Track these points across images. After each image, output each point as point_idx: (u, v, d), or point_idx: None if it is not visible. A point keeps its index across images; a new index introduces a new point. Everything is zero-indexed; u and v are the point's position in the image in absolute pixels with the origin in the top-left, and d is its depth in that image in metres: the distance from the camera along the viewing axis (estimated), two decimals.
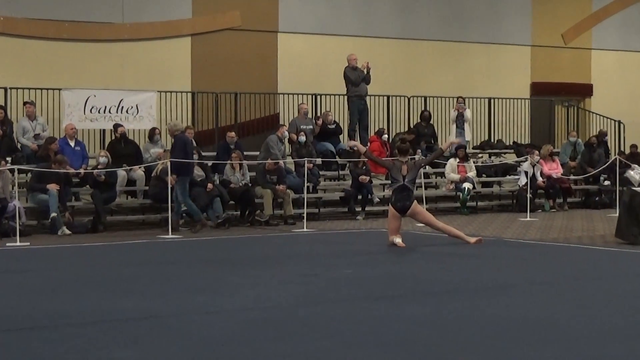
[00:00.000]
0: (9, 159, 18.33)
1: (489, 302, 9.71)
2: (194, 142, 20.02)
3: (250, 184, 19.98)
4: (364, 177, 20.86)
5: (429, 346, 7.65)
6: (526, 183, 22.23)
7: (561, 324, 8.50)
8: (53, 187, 17.51)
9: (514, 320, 8.66)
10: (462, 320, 8.71)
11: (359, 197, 21.06)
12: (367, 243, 16.20)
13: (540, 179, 23.04)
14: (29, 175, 18.48)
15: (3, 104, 19.63)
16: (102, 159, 18.68)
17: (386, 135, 23.07)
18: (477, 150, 25.38)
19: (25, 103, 19.54)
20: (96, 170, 18.53)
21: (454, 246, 15.12)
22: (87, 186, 18.86)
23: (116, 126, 19.85)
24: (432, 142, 24.07)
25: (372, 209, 21.37)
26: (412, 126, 24.31)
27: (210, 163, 20.10)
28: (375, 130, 23.16)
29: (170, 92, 21.80)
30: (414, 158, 16.92)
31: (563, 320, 8.68)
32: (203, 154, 20.10)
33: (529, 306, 9.48)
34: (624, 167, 23.66)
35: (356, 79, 22.90)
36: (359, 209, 20.98)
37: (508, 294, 10.34)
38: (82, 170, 18.89)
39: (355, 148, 19.01)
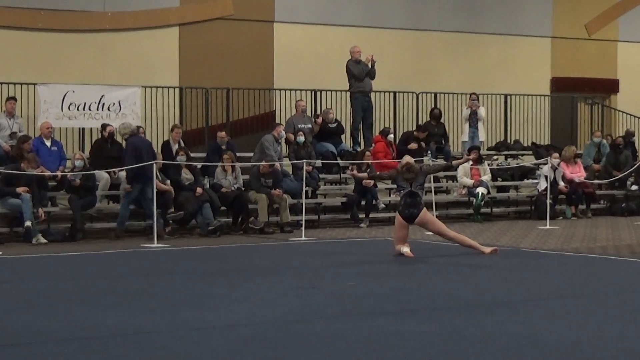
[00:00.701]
0: None
1: (504, 319, 9.73)
2: (181, 143, 20.07)
3: (243, 188, 20.02)
4: (368, 181, 20.89)
5: None
6: (546, 188, 22.27)
7: (583, 343, 8.52)
8: (23, 191, 17.54)
9: (532, 339, 8.68)
10: (474, 338, 8.74)
11: (363, 202, 21.08)
12: (371, 253, 16.23)
13: (561, 184, 23.07)
14: None
15: None
16: (78, 162, 18.67)
17: (392, 135, 23.11)
18: (492, 152, 25.41)
19: (8, 99, 19.58)
20: (70, 173, 18.54)
21: (467, 257, 15.14)
22: (64, 190, 18.90)
23: (104, 125, 19.86)
24: (443, 142, 24.10)
25: (376, 215, 21.39)
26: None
27: (199, 165, 20.14)
28: (380, 130, 23.19)
29: (156, 87, 21.84)
30: (422, 161, 17.09)
31: (585, 339, 8.71)
32: (192, 155, 20.13)
33: (548, 323, 9.51)
34: None
35: (360, 74, 22.95)
36: (362, 215, 20.99)
37: (526, 310, 10.36)
38: (58, 173, 18.92)
39: (356, 176, 19.01)
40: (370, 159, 21.31)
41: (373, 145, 22.64)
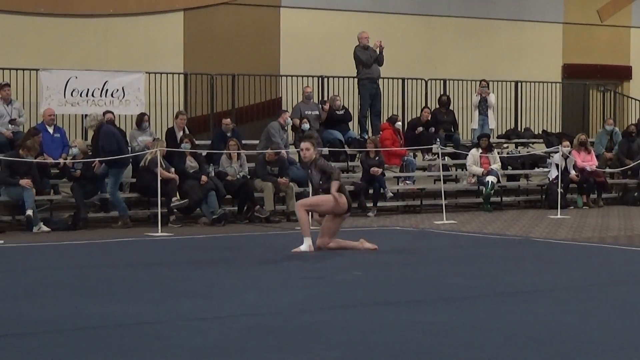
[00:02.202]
0: None
1: (513, 309, 9.73)
2: (186, 130, 20.08)
3: (249, 176, 20.04)
4: (375, 169, 20.89)
5: (446, 358, 7.69)
6: (557, 176, 22.27)
7: (594, 335, 8.53)
8: (26, 184, 17.58)
9: (541, 330, 8.69)
10: (482, 329, 8.74)
11: (370, 191, 21.09)
12: (379, 242, 16.22)
13: (572, 172, 23.08)
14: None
15: None
16: (74, 150, 18.68)
17: (400, 123, 23.12)
18: (502, 140, 25.42)
19: (1, 86, 19.57)
20: (71, 161, 18.54)
21: (475, 248, 15.15)
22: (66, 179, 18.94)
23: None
24: (452, 130, 24.11)
25: (384, 204, 21.40)
26: (430, 111, 24.01)
27: (204, 153, 20.17)
28: (388, 117, 23.20)
29: (160, 73, 21.86)
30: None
31: (596, 331, 8.71)
32: (197, 142, 20.16)
33: (558, 314, 9.51)
34: None
35: (367, 60, 22.95)
36: (370, 204, 21.00)
37: (535, 300, 10.36)
38: (60, 161, 18.95)
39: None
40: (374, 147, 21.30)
41: (380, 132, 22.65)
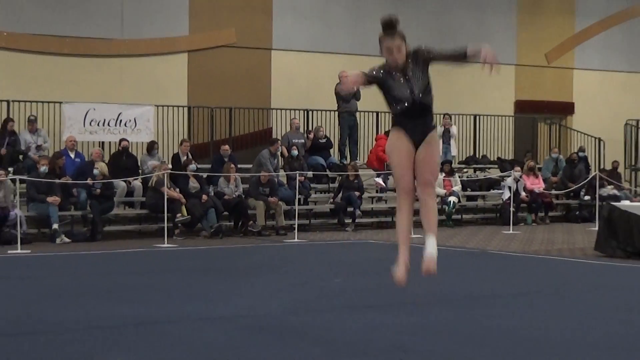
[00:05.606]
0: (10, 169, 18.38)
1: (474, 313, 9.75)
2: (189, 155, 20.09)
3: (243, 196, 20.01)
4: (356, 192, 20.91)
5: (416, 354, 7.70)
6: (509, 197, 22.29)
7: (542, 335, 8.55)
8: (53, 201, 17.58)
9: (497, 330, 8.71)
10: (448, 329, 8.76)
11: (349, 209, 21.07)
12: (355, 254, 16.25)
13: (523, 194, 23.11)
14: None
15: (6, 117, 19.68)
16: (95, 171, 18.61)
17: None
18: (463, 165, 25.45)
19: (28, 120, 19.64)
20: (90, 180, 18.45)
21: (441, 259, 15.15)
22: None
23: (121, 140, 19.96)
24: None
25: (360, 220, 21.38)
26: None
27: (205, 175, 20.15)
28: (385, 131, 23.40)
29: (167, 106, 21.83)
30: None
31: (543, 331, 8.73)
32: (198, 166, 20.14)
33: (511, 316, 9.54)
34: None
35: (347, 96, 22.96)
36: (348, 220, 20.98)
37: (492, 305, 10.38)
38: (81, 182, 18.92)
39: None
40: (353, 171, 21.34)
41: (374, 142, 22.70)
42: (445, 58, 7.66)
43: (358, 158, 23.01)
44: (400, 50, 7.42)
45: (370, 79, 7.61)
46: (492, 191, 24.33)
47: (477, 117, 25.98)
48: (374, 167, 22.76)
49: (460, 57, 7.55)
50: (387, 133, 22.97)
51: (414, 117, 7.44)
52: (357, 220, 21.10)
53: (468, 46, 7.38)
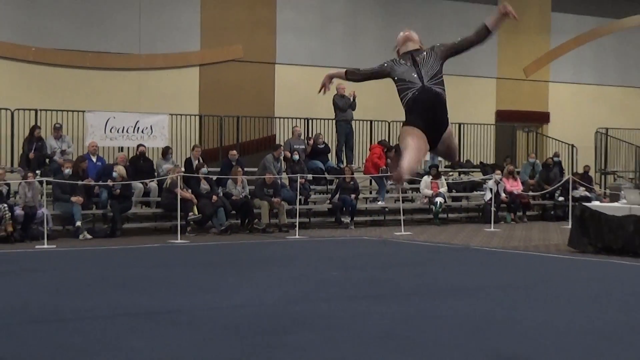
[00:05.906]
0: (38, 171, 18.42)
1: (459, 303, 9.76)
2: (200, 159, 20.10)
3: (249, 196, 20.03)
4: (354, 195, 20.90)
5: (406, 340, 7.71)
6: (491, 198, 22.32)
7: (521, 322, 8.57)
8: (77, 201, 17.62)
9: (481, 318, 8.72)
10: (436, 317, 8.78)
11: (345, 208, 21.08)
12: (352, 249, 16.26)
13: (503, 195, 23.14)
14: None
15: (34, 124, 19.71)
16: (114, 174, 18.65)
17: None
18: (448, 169, 25.45)
19: (54, 127, 19.68)
20: (110, 182, 18.47)
21: (429, 253, 15.17)
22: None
23: (139, 145, 20.00)
24: None
25: (357, 219, 21.37)
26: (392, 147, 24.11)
27: (215, 177, 20.16)
28: (379, 141, 23.41)
29: (181, 115, 21.86)
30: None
31: (521, 319, 8.76)
32: (209, 169, 20.15)
33: (494, 306, 9.55)
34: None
35: (343, 106, 22.99)
36: (345, 219, 20.96)
37: (476, 296, 10.40)
38: (101, 183, 18.93)
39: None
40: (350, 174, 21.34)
41: (369, 151, 22.68)
42: (468, 43, 7.28)
43: (353, 162, 23.02)
44: (412, 38, 7.30)
45: (375, 73, 7.78)
46: (475, 192, 24.34)
47: (462, 126, 26.00)
48: (370, 174, 22.69)
49: (484, 33, 6.99)
50: (380, 142, 22.97)
51: (426, 109, 7.15)
52: (355, 219, 21.06)
53: (485, 21, 6.89)
